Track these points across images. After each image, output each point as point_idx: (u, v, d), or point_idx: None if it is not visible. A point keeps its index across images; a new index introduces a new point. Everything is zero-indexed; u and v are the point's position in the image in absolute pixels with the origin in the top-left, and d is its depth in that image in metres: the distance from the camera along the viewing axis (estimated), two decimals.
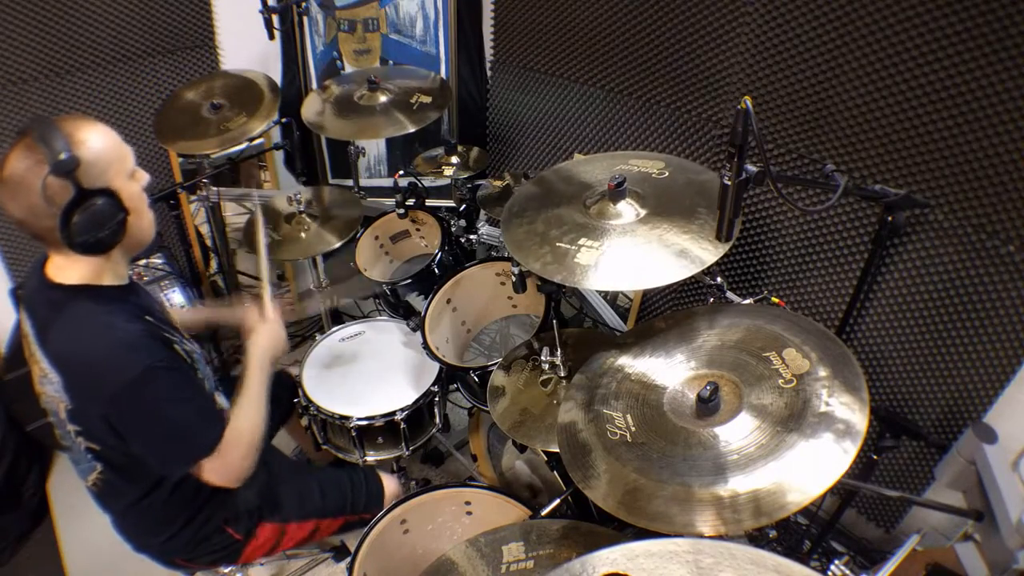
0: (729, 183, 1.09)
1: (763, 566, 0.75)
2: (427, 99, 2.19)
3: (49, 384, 1.27)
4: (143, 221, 1.31)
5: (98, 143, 1.21)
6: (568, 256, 1.35)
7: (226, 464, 1.34)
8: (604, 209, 1.43)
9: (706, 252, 1.28)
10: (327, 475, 1.73)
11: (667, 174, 1.52)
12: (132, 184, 1.28)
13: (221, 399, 1.56)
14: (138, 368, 1.21)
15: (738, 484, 1.00)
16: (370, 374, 2.06)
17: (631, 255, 1.33)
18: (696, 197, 1.42)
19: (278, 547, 1.62)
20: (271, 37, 2.28)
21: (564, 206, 1.49)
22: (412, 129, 2.11)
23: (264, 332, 1.56)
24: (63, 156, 1.13)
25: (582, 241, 1.38)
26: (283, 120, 2.34)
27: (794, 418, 1.06)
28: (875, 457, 1.70)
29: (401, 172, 2.33)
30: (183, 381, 1.31)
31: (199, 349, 1.49)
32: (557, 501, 1.56)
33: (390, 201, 2.33)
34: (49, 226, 1.16)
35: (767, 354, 1.18)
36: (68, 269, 1.27)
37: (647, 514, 1.04)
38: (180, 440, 1.30)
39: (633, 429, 1.18)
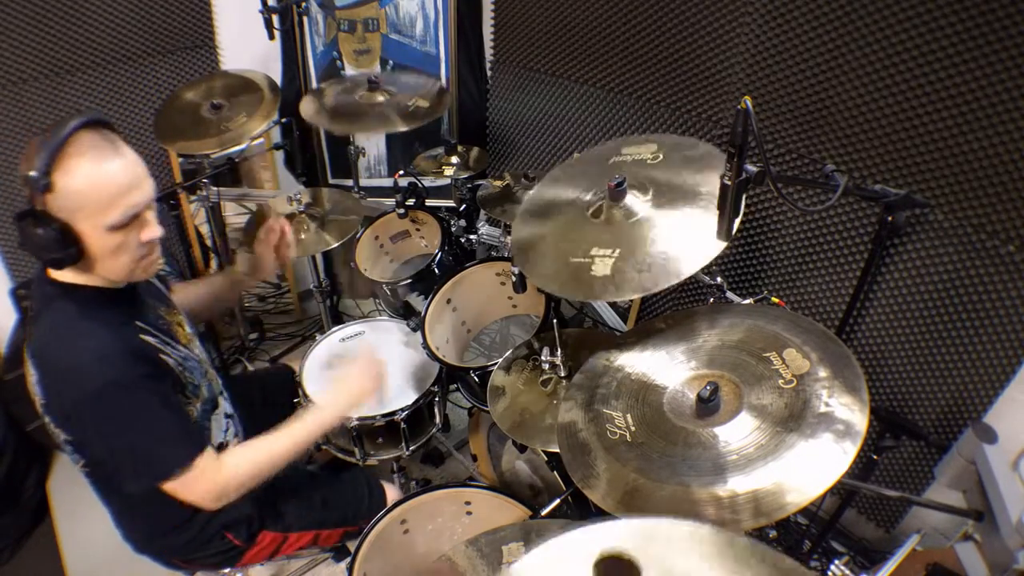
0: (729, 183, 1.09)
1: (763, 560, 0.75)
2: (424, 103, 2.20)
3: (31, 376, 1.26)
4: (119, 266, 1.24)
5: (82, 181, 1.14)
6: (583, 271, 1.31)
7: (195, 486, 1.28)
8: (610, 213, 1.40)
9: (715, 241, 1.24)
10: (330, 485, 1.71)
11: (661, 157, 1.47)
12: (109, 235, 1.19)
13: (225, 403, 1.55)
14: (99, 381, 1.17)
15: (737, 484, 1.00)
16: None
17: (648, 253, 1.30)
18: (695, 176, 1.37)
19: (278, 553, 1.62)
20: (271, 37, 2.29)
21: (567, 215, 1.47)
22: (403, 128, 2.13)
23: (357, 389, 1.52)
24: (33, 174, 1.12)
25: (594, 251, 1.34)
26: (283, 120, 2.34)
27: (794, 418, 1.06)
28: (875, 457, 1.70)
29: (401, 172, 2.33)
30: (146, 401, 1.24)
31: (196, 354, 1.45)
32: (557, 501, 1.56)
33: (390, 201, 2.33)
34: None
35: (767, 354, 1.18)
36: None
37: (646, 514, 1.03)
38: (134, 459, 1.25)
39: (633, 429, 1.18)
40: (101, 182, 1.16)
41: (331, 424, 1.48)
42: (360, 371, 1.55)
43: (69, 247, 1.17)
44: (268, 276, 1.86)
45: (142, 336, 1.30)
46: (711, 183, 1.32)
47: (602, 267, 1.31)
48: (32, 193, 1.14)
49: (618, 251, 1.33)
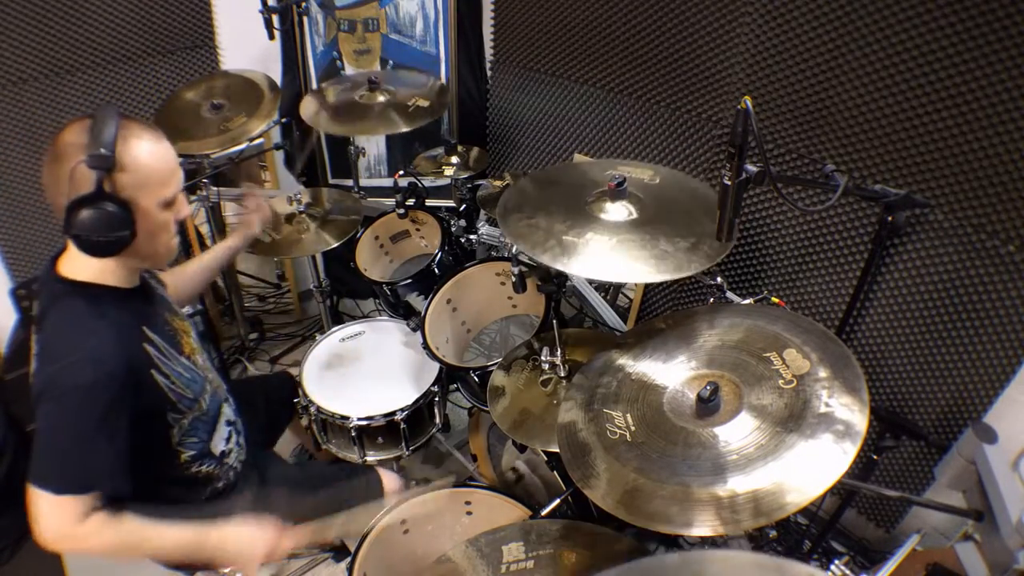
0: (729, 183, 1.09)
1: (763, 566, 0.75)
2: (424, 103, 2.20)
3: (32, 370, 1.24)
4: (157, 246, 1.29)
5: (146, 157, 1.20)
6: (576, 247, 1.38)
7: (55, 516, 1.18)
8: (601, 208, 1.46)
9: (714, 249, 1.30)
10: (323, 475, 1.72)
11: (658, 180, 1.56)
12: (161, 212, 1.26)
13: (229, 410, 1.54)
14: (87, 379, 1.15)
15: (737, 484, 1.00)
16: (370, 374, 2.06)
17: (618, 251, 1.37)
18: (690, 201, 1.47)
19: None
20: (271, 37, 2.29)
21: (562, 205, 1.51)
22: (405, 129, 2.13)
23: (248, 541, 1.30)
24: (103, 151, 1.14)
25: (589, 235, 1.40)
26: (283, 120, 2.34)
27: (794, 419, 1.06)
28: (875, 457, 1.70)
29: (401, 172, 2.33)
30: (99, 419, 1.18)
31: (199, 364, 1.43)
32: (557, 501, 1.56)
33: (390, 201, 2.33)
34: (61, 205, 1.17)
35: (767, 354, 1.18)
36: (76, 262, 1.25)
37: (646, 514, 1.04)
38: (53, 458, 1.19)
39: (633, 429, 1.18)
40: (162, 158, 1.23)
41: (210, 551, 1.28)
42: (264, 533, 1.33)
43: (129, 226, 1.20)
44: (256, 235, 1.89)
45: (144, 345, 1.28)
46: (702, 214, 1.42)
47: (596, 248, 1.37)
48: (97, 173, 1.14)
49: (615, 239, 1.38)
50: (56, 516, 1.19)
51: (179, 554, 1.29)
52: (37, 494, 1.18)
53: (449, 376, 2.06)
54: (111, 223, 1.18)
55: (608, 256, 1.37)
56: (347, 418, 1.88)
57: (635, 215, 1.46)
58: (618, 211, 1.46)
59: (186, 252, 2.62)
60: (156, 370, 1.30)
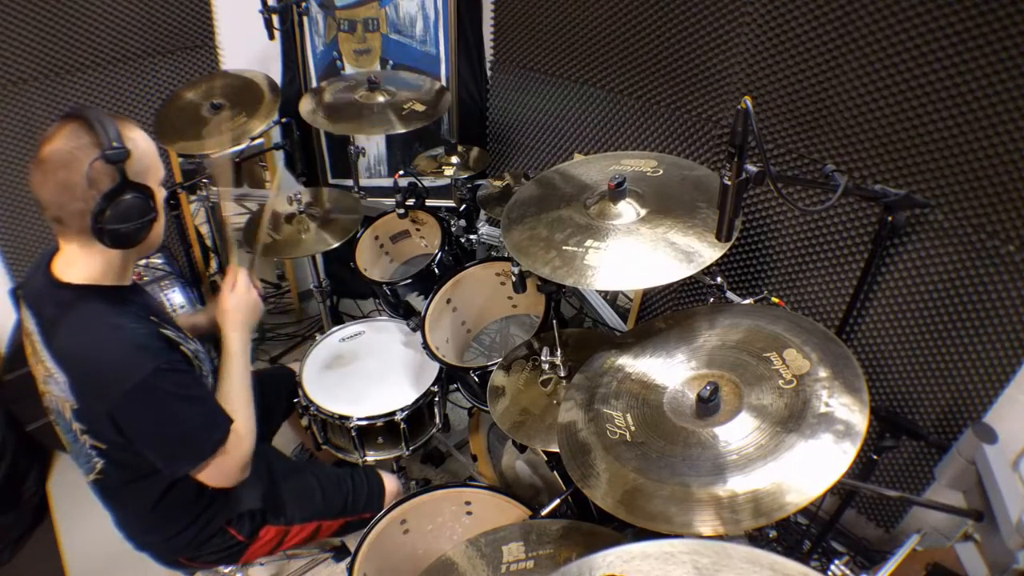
0: (729, 183, 1.08)
1: (759, 564, 0.75)
2: (419, 107, 2.20)
3: (54, 384, 1.27)
4: (160, 227, 1.34)
5: (143, 142, 1.27)
6: (577, 259, 1.35)
7: (227, 463, 1.34)
8: (603, 211, 1.43)
9: (714, 247, 1.28)
10: (328, 475, 1.74)
11: (661, 172, 1.52)
12: (160, 191, 1.32)
13: None
14: (147, 369, 1.21)
15: (737, 484, 1.00)
16: (370, 374, 2.06)
17: (638, 254, 1.33)
18: (694, 192, 1.43)
19: (280, 547, 1.62)
20: (271, 37, 2.29)
21: (564, 208, 1.49)
22: (400, 130, 2.15)
23: (235, 303, 1.50)
24: (116, 144, 1.17)
25: (589, 243, 1.37)
26: (283, 120, 2.34)
27: (794, 419, 1.06)
28: (875, 457, 1.70)
29: (401, 172, 2.33)
30: (190, 381, 1.31)
31: (203, 348, 1.49)
32: (557, 501, 1.56)
33: (390, 201, 2.33)
34: (80, 210, 1.18)
35: (767, 354, 1.18)
36: (77, 266, 1.26)
37: (646, 514, 1.04)
38: (188, 439, 1.30)
39: (633, 429, 1.18)
40: (151, 141, 1.30)
41: (239, 337, 1.48)
42: (237, 297, 1.53)
43: (154, 209, 1.27)
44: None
45: (161, 330, 1.32)
46: (709, 202, 1.37)
47: (595, 258, 1.34)
48: (117, 166, 1.18)
49: (622, 244, 1.36)
50: (225, 458, 1.33)
51: (244, 366, 1.47)
52: (217, 459, 1.32)
53: (449, 376, 2.06)
54: (142, 209, 1.24)
55: (616, 264, 1.33)
56: (347, 418, 1.88)
57: (641, 214, 1.41)
58: (621, 213, 1.42)
59: (186, 252, 2.62)
60: (182, 345, 1.36)
